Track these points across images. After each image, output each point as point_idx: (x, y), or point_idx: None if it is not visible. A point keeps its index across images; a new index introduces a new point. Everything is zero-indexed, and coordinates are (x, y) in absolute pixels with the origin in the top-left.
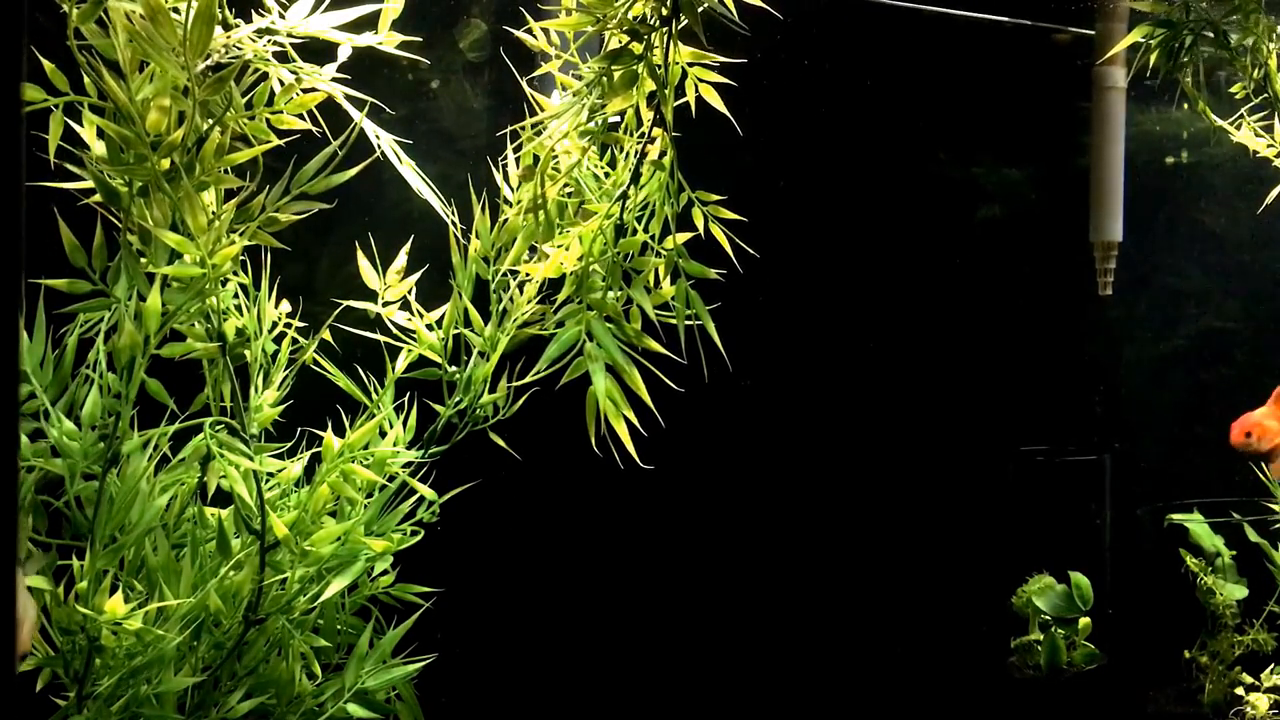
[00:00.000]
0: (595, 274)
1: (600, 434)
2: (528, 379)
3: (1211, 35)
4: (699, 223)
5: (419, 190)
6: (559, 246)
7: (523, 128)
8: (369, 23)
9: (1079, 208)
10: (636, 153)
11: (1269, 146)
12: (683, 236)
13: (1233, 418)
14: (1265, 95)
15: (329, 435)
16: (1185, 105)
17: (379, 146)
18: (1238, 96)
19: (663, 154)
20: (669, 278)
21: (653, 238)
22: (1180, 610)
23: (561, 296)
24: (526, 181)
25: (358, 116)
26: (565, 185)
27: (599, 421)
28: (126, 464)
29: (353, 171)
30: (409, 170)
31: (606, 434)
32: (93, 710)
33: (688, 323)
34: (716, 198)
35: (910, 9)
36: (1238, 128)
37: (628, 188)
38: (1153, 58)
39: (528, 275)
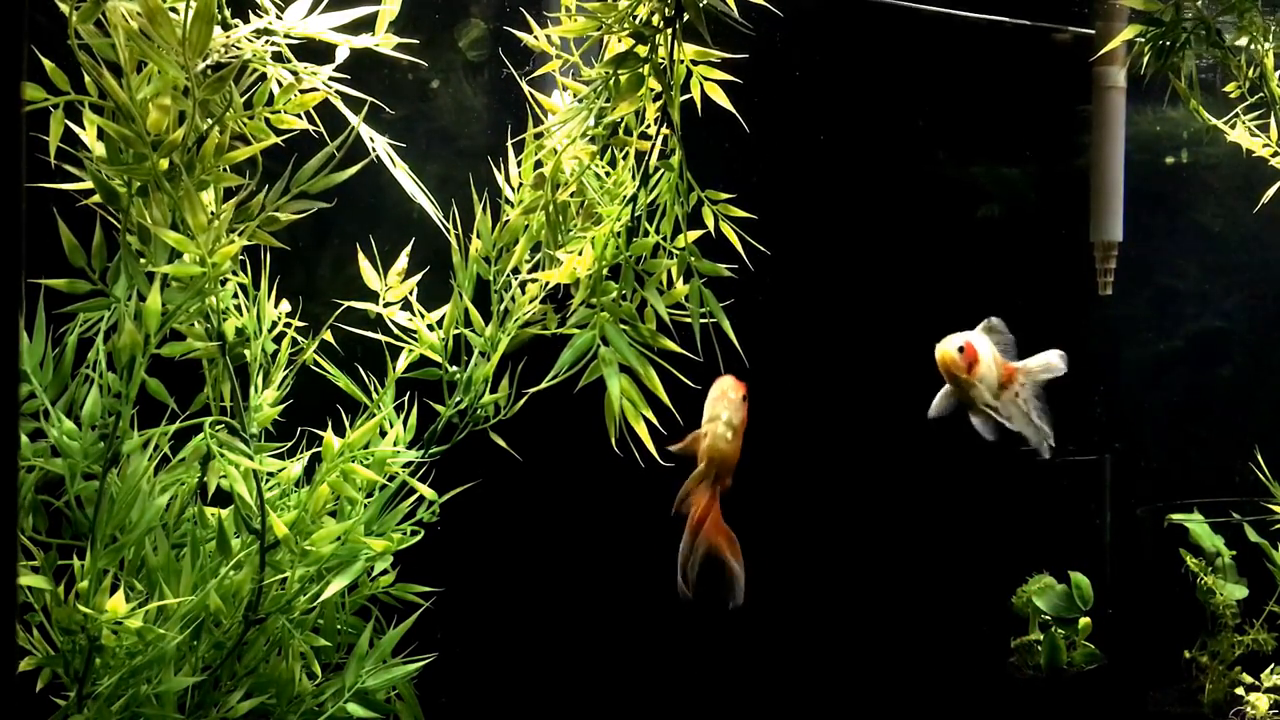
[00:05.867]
0: (605, 276)
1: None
2: (543, 385)
3: (1205, 34)
4: (709, 221)
5: (412, 194)
6: (571, 252)
7: (533, 134)
8: (369, 23)
9: (1079, 208)
10: (645, 154)
11: (1265, 146)
12: (693, 235)
13: (1233, 418)
14: (1261, 94)
15: (329, 435)
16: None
17: (374, 150)
18: (1232, 96)
19: (671, 153)
20: (682, 277)
21: (664, 238)
22: (1180, 610)
23: (576, 301)
24: (536, 190)
25: (354, 118)
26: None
27: (603, 422)
28: (126, 464)
29: (351, 170)
30: (402, 174)
31: (624, 432)
32: (93, 710)
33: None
34: (726, 196)
35: (910, 9)
36: (1233, 127)
37: (638, 190)
38: (1145, 57)
39: (535, 279)
